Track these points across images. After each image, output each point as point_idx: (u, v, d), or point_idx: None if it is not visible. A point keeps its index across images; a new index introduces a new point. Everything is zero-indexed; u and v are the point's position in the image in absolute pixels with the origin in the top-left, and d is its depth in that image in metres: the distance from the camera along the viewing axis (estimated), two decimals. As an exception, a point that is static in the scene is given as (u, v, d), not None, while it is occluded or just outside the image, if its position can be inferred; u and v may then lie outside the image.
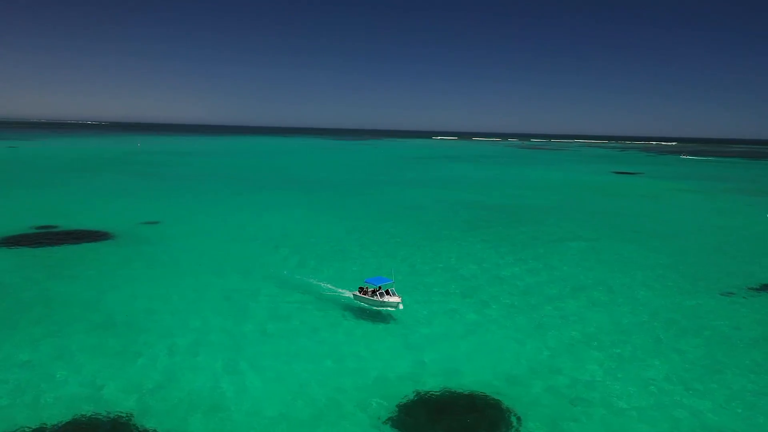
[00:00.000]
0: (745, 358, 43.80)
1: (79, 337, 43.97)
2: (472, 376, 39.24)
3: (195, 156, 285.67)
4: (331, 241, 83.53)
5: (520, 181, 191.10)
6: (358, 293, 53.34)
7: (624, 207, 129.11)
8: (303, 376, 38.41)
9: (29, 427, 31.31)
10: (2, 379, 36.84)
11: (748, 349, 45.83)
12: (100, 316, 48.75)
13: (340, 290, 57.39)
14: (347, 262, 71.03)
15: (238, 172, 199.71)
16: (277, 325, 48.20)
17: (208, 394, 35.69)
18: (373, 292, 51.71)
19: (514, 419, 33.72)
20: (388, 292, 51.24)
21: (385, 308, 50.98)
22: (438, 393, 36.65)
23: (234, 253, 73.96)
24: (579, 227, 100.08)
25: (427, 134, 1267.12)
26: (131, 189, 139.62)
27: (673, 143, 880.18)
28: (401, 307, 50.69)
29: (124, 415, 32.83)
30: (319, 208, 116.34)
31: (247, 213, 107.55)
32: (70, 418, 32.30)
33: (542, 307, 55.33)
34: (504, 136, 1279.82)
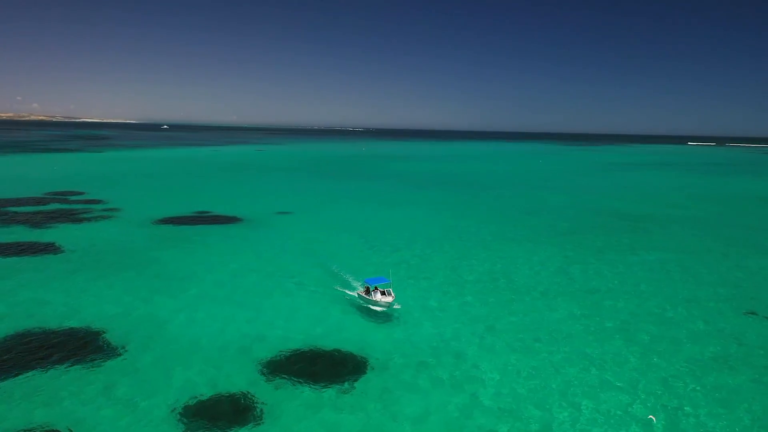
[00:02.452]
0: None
1: (138, 282, 61.86)
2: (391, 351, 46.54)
3: (393, 159, 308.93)
4: (418, 239, 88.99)
5: (700, 191, 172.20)
6: (361, 292, 57.18)
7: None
8: (245, 329, 49.51)
9: (52, 326, 49.01)
10: (50, 297, 56.64)
11: None
12: (168, 271, 66.55)
13: (350, 288, 61.34)
14: (412, 260, 75.90)
15: (410, 174, 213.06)
16: (270, 299, 58.32)
17: (179, 328, 49.57)
18: (375, 291, 55.22)
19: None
20: (384, 293, 55.15)
21: (379, 307, 54.09)
22: (328, 351, 45.39)
23: (318, 241, 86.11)
24: (689, 240, 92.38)
25: (684, 139, 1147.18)
26: (298, 185, 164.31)
27: None
28: (396, 306, 53.87)
29: (109, 326, 48.94)
30: (442, 208, 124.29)
31: (371, 209, 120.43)
32: (91, 325, 49.21)
33: (541, 312, 56.43)
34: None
